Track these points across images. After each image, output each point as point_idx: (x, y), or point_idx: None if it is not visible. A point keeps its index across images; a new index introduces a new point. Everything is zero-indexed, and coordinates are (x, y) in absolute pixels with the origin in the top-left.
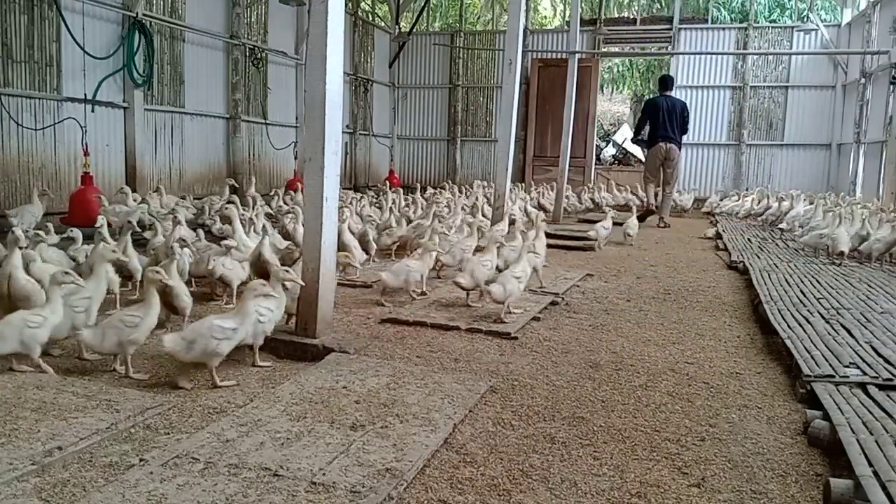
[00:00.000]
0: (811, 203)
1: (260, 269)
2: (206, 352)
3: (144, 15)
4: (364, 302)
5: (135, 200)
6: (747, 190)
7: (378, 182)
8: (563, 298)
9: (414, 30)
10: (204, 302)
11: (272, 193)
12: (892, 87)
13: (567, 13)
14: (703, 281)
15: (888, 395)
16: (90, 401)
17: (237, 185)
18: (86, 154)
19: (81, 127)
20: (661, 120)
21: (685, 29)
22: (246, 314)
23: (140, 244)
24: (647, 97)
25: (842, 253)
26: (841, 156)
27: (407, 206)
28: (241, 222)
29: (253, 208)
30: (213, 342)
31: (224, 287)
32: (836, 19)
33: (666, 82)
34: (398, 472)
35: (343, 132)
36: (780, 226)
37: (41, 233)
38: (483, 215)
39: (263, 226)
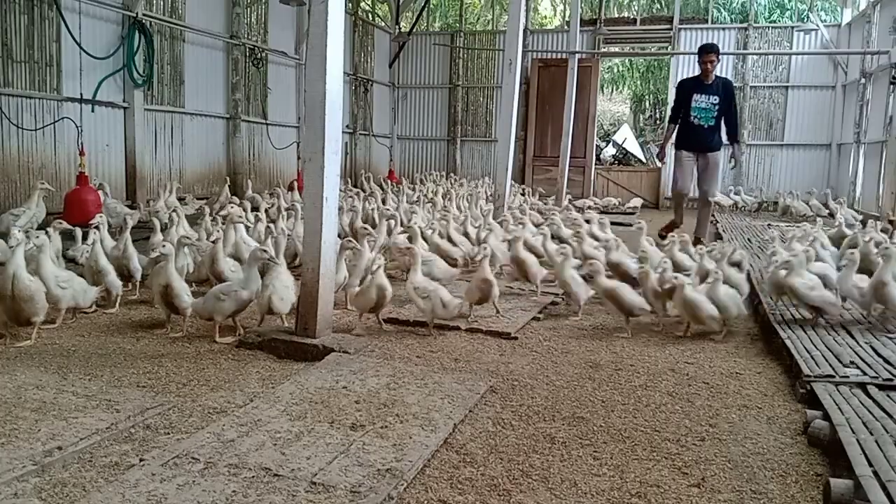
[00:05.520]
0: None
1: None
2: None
3: (144, 15)
4: None
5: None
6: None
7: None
8: (563, 298)
9: (414, 30)
10: None
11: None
12: (892, 87)
13: (567, 13)
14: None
15: (888, 395)
16: (90, 401)
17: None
18: (81, 154)
19: (77, 127)
20: None
21: (685, 29)
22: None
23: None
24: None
25: None
26: (841, 156)
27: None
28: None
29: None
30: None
31: None
32: (836, 19)
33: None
34: (398, 472)
35: (343, 132)
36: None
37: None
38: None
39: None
